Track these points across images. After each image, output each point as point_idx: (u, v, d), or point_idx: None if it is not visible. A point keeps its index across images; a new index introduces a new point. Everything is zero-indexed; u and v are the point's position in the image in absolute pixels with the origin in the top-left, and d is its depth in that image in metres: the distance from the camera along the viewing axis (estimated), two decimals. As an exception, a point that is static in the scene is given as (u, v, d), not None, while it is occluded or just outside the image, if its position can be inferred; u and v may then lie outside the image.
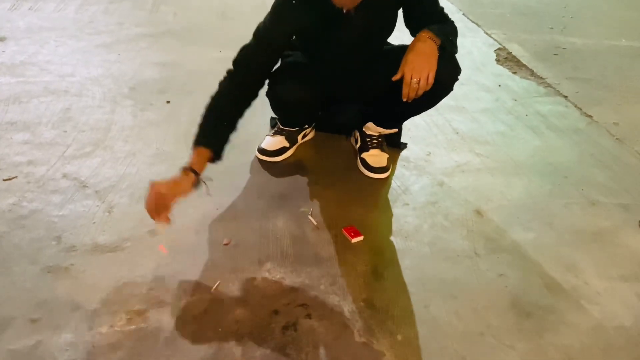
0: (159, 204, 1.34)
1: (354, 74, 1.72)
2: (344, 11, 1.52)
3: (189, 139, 1.91)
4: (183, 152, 1.85)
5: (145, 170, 1.74)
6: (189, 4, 3.32)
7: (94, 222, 1.49)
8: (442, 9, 1.62)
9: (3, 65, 2.30)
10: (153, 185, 1.36)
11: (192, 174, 1.41)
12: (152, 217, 1.36)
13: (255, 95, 1.58)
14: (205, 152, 1.46)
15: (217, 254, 1.45)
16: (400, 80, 1.49)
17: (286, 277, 1.39)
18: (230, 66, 1.56)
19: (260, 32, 1.55)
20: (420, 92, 1.49)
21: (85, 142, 1.84)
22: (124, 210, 1.55)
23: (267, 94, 1.75)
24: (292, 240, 1.52)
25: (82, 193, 1.60)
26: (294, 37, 1.64)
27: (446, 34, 1.53)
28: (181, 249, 1.44)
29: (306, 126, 1.93)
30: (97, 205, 1.56)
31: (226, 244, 1.48)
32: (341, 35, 1.60)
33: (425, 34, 1.49)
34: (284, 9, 1.53)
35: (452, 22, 1.61)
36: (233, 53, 1.65)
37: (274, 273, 1.40)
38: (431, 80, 1.47)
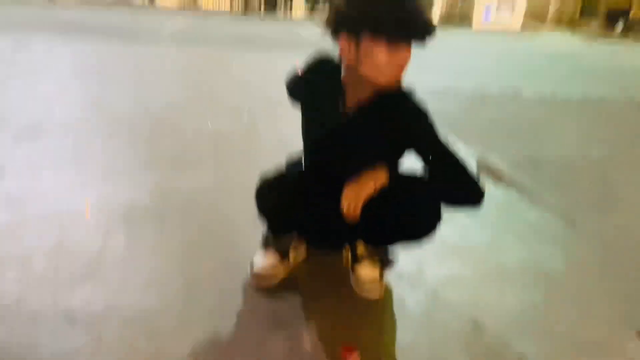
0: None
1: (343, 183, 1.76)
2: (341, 106, 1.62)
3: (183, 266, 1.93)
4: (176, 279, 1.85)
5: (136, 299, 1.72)
6: (183, 131, 3.51)
7: (84, 356, 1.45)
8: (460, 170, 1.54)
9: None
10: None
11: None
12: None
13: None
14: None
15: (209, 384, 1.39)
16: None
17: (282, 406, 1.32)
18: None
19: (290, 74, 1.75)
20: (351, 219, 1.61)
21: (76, 273, 1.84)
22: (113, 343, 1.51)
23: (255, 195, 1.79)
24: (287, 365, 1.47)
25: (71, 326, 1.57)
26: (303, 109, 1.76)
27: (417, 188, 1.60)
28: (172, 381, 1.39)
29: (293, 243, 1.95)
30: (86, 338, 1.52)
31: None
32: (337, 130, 1.65)
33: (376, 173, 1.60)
34: (308, 68, 1.69)
35: (468, 188, 1.56)
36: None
37: (269, 402, 1.33)
38: (355, 212, 1.58)
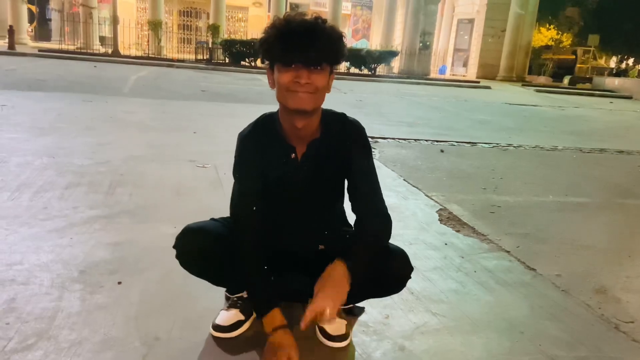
0: None
1: (300, 233, 1.81)
2: (292, 156, 1.72)
3: (140, 321, 1.85)
4: (132, 336, 1.76)
5: (90, 359, 1.63)
6: (144, 184, 3.45)
7: None
8: (381, 202, 1.74)
9: (-54, 256, 2.24)
10: None
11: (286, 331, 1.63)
12: None
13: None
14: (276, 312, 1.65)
15: None
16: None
17: None
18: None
19: (236, 175, 1.76)
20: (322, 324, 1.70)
21: (28, 334, 1.73)
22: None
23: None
24: None
25: (18, 392, 1.46)
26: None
27: (361, 263, 1.64)
28: None
29: None
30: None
31: None
32: (288, 180, 1.74)
33: (338, 272, 1.61)
34: (243, 153, 1.74)
35: (386, 221, 1.73)
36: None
37: None
38: (332, 315, 1.56)
